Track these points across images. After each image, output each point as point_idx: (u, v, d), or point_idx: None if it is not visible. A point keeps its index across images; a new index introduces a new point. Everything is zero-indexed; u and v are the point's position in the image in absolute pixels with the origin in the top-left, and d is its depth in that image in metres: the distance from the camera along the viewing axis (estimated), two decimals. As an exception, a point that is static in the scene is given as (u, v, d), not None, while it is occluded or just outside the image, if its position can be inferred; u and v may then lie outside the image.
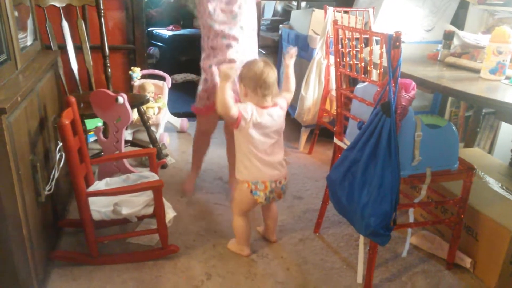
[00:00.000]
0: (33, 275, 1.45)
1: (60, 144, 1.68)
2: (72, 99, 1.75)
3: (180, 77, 4.71)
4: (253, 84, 1.64)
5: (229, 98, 1.59)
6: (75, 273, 1.69)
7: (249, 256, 1.83)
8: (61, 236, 1.91)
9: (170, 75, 3.16)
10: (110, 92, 2.02)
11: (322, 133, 2.96)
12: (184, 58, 4.88)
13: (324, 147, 3.04)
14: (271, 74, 1.66)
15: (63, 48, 2.51)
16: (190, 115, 3.53)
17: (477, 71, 1.76)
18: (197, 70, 5.10)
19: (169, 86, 3.06)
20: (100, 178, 1.95)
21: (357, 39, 1.96)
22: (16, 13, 1.68)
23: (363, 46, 1.70)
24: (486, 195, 1.88)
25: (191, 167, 2.40)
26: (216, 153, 2.83)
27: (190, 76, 4.75)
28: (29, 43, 1.88)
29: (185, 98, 4.15)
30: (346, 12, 2.79)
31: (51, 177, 1.68)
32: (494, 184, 1.98)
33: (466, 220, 1.76)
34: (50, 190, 1.64)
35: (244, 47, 2.04)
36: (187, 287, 1.65)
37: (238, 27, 2.00)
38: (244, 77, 1.68)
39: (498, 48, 1.62)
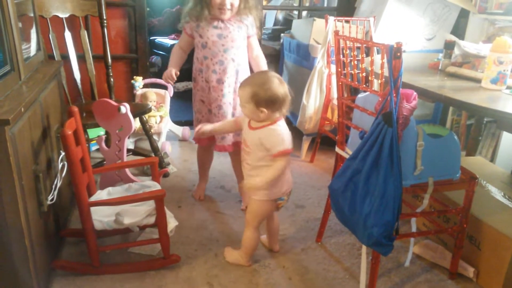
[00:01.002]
0: (35, 285, 1.45)
1: (63, 153, 1.69)
2: (75, 109, 1.76)
3: (182, 85, 4.73)
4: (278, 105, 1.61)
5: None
6: (77, 282, 1.68)
7: (251, 266, 1.83)
8: (63, 246, 1.91)
9: (172, 84, 3.17)
10: (113, 102, 2.03)
11: (323, 141, 2.97)
12: (186, 66, 4.89)
13: (326, 155, 3.05)
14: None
15: (66, 58, 2.53)
16: (192, 124, 3.54)
17: (478, 80, 1.76)
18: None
19: (171, 95, 3.07)
20: (102, 187, 1.96)
21: (358, 48, 1.98)
22: (20, 24, 1.70)
23: (364, 56, 1.70)
24: (489, 204, 1.88)
25: (199, 177, 2.44)
26: (218, 160, 2.84)
27: (192, 85, 4.75)
28: (32, 53, 1.90)
29: (187, 106, 4.16)
30: (347, 21, 2.80)
31: (54, 186, 1.69)
32: (496, 193, 1.98)
33: (469, 229, 1.76)
34: (52, 199, 1.64)
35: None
36: (189, 297, 1.65)
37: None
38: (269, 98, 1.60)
39: (499, 58, 1.63)
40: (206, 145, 2.28)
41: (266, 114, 1.60)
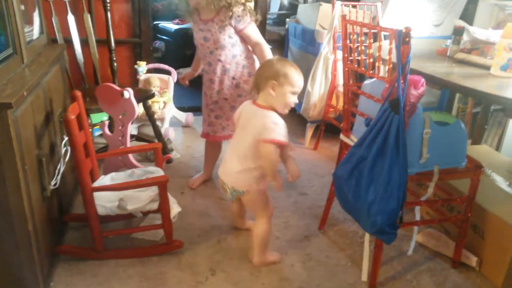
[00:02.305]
0: (38, 269, 1.45)
1: (66, 138, 1.68)
2: (78, 93, 1.74)
3: (186, 71, 4.69)
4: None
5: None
6: (81, 267, 1.69)
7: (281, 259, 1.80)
8: (67, 231, 1.91)
9: (175, 69, 3.15)
10: (116, 87, 2.01)
11: (327, 128, 2.94)
12: (190, 52, 4.85)
13: (330, 143, 3.03)
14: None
15: (69, 42, 2.51)
16: (195, 110, 3.52)
17: (487, 67, 1.73)
18: (203, 65, 5.02)
19: (175, 80, 3.05)
20: (106, 172, 1.95)
21: (365, 34, 1.94)
22: (22, 7, 1.68)
23: (372, 41, 1.67)
24: (494, 193, 1.86)
25: (203, 168, 2.43)
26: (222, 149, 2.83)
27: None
28: (35, 36, 1.88)
29: (190, 92, 4.13)
30: (354, 6, 2.75)
31: (57, 171, 1.69)
32: (501, 182, 1.96)
33: (473, 218, 1.74)
34: (55, 184, 1.64)
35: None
36: (192, 282, 1.65)
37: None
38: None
39: (509, 45, 1.59)
40: (212, 140, 2.28)
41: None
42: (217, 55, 2.07)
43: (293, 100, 1.59)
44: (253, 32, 2.08)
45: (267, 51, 2.11)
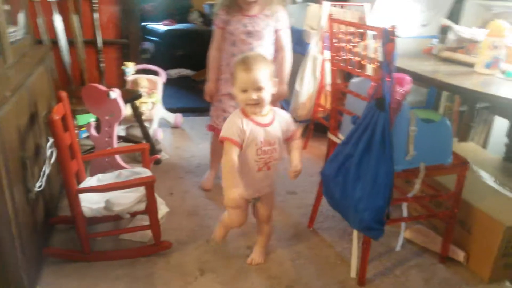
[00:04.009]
0: (24, 272, 1.43)
1: (51, 140, 1.66)
2: (63, 94, 1.73)
3: (175, 72, 4.68)
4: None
5: None
6: (68, 269, 1.67)
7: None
8: (53, 233, 1.89)
9: (165, 70, 3.13)
10: (102, 87, 2.00)
11: (317, 128, 2.95)
12: (179, 53, 4.85)
13: (319, 142, 3.04)
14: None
15: (55, 43, 2.48)
16: (184, 111, 3.51)
17: (472, 65, 1.75)
18: (192, 65, 5.07)
19: (163, 81, 3.04)
20: (92, 174, 1.94)
21: (352, 33, 1.96)
22: (7, 7, 1.66)
23: (358, 40, 1.68)
24: (480, 189, 1.88)
25: (210, 166, 2.42)
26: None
27: (185, 71, 4.72)
28: (20, 37, 1.85)
29: (179, 93, 4.13)
30: (342, 6, 2.77)
31: (42, 173, 1.67)
32: (488, 178, 1.98)
33: (460, 214, 1.76)
34: (40, 186, 1.62)
35: None
36: (180, 283, 1.64)
37: None
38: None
39: (493, 43, 1.62)
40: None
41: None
42: (258, 52, 2.02)
43: (246, 96, 1.46)
44: (288, 35, 2.13)
45: (289, 59, 2.17)
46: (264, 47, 2.08)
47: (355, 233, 1.68)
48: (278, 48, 2.14)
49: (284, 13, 2.12)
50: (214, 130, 2.24)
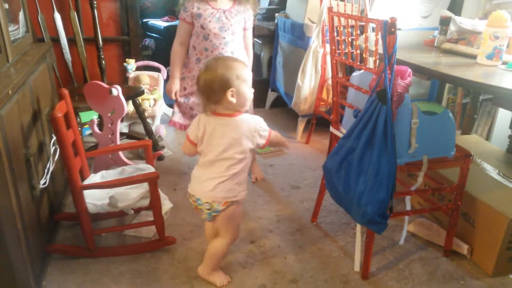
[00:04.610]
0: (29, 269, 1.45)
1: (55, 137, 1.67)
2: (65, 91, 1.73)
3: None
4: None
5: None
6: (72, 266, 1.69)
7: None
8: (58, 230, 1.90)
9: (166, 66, 3.13)
10: (104, 84, 2.00)
11: (319, 122, 2.95)
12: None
13: (322, 137, 3.03)
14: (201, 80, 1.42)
15: (56, 41, 2.49)
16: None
17: (473, 57, 1.74)
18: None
19: (165, 77, 3.04)
20: (96, 171, 1.94)
21: (352, 26, 1.96)
22: (6, 5, 1.66)
23: (359, 33, 1.67)
24: (484, 181, 1.88)
25: None
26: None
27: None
28: (20, 35, 1.86)
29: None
30: (342, -1, 2.75)
31: (46, 170, 1.67)
32: (491, 171, 1.97)
33: (463, 206, 1.76)
34: (45, 183, 1.63)
35: None
36: (185, 278, 1.65)
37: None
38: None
39: (494, 33, 1.60)
40: (173, 125, 2.26)
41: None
42: (232, 47, 2.05)
43: (251, 92, 1.47)
44: (251, 34, 2.14)
45: (251, 59, 2.20)
46: (236, 42, 2.08)
47: (358, 227, 1.68)
48: (245, 46, 2.16)
49: (252, 13, 2.11)
50: (175, 125, 2.22)
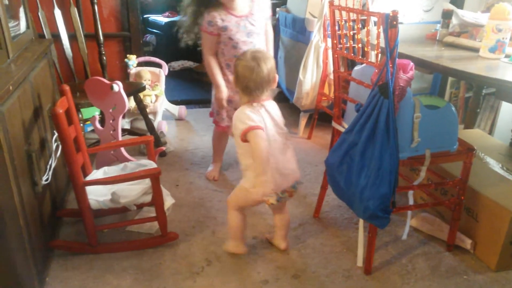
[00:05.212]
0: (32, 265, 1.45)
1: (56, 133, 1.67)
2: (66, 87, 1.73)
3: (178, 64, 4.67)
4: (242, 85, 1.52)
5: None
6: (75, 262, 1.69)
7: (245, 253, 1.74)
8: (61, 226, 1.91)
9: (167, 62, 3.13)
10: (105, 80, 2.00)
11: (321, 117, 2.94)
12: (181, 45, 4.82)
13: (324, 132, 3.03)
14: (263, 69, 1.49)
15: (57, 37, 2.48)
16: (188, 103, 3.51)
17: (476, 50, 1.73)
18: (194, 57, 5.05)
19: (166, 73, 3.03)
20: (98, 167, 1.94)
21: (354, 20, 1.94)
22: (6, 1, 1.65)
23: (360, 27, 1.66)
24: (486, 176, 1.87)
25: (213, 159, 2.44)
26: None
27: (187, 63, 4.70)
28: (21, 31, 1.85)
29: (183, 85, 4.13)
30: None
31: (48, 167, 1.67)
32: (494, 165, 1.96)
33: (466, 201, 1.75)
34: (47, 180, 1.63)
35: None
36: (187, 273, 1.65)
37: None
38: (234, 71, 1.55)
39: (497, 26, 1.59)
40: (223, 130, 2.24)
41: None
42: (258, 45, 2.08)
43: None
44: (270, 23, 2.17)
45: (271, 49, 2.24)
46: (261, 39, 2.11)
47: (361, 222, 1.68)
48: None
49: (268, 1, 2.14)
50: (225, 129, 2.21)
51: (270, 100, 1.58)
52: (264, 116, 1.52)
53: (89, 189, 1.65)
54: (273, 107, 1.58)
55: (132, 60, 2.93)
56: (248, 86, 1.50)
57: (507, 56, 1.64)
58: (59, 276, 1.62)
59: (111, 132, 2.09)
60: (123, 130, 2.52)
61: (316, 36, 2.70)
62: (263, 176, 1.47)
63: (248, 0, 2.06)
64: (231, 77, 2.07)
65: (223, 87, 2.08)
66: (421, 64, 1.61)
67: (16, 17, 1.82)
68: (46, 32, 2.42)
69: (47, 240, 1.69)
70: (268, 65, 1.51)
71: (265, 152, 1.46)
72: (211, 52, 2.09)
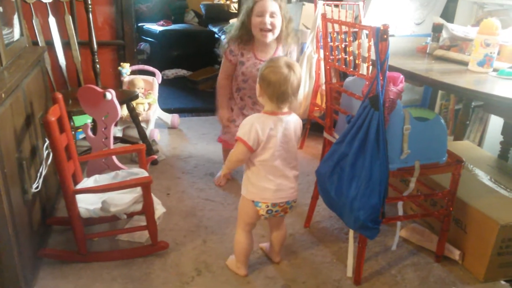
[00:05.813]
0: (20, 274, 1.43)
1: (48, 141, 1.66)
2: (59, 95, 1.73)
3: (171, 72, 4.68)
4: (271, 92, 1.48)
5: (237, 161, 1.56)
6: (64, 270, 1.68)
7: (245, 276, 1.69)
8: (50, 234, 1.89)
9: (161, 70, 3.13)
10: (98, 88, 2.00)
11: (313, 127, 2.96)
12: (175, 53, 4.85)
13: (315, 142, 3.04)
14: (295, 82, 1.48)
15: (51, 45, 2.48)
16: (181, 111, 3.51)
17: (465, 63, 1.76)
18: (188, 66, 5.07)
19: (159, 81, 3.04)
20: (89, 175, 1.94)
21: (346, 33, 1.98)
22: (0, 9, 1.66)
23: (352, 39, 1.68)
24: (475, 187, 1.89)
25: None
26: (208, 149, 2.83)
27: (181, 72, 4.72)
28: (14, 39, 1.85)
29: (176, 93, 4.14)
30: (336, 5, 2.78)
31: (39, 174, 1.67)
32: (483, 177, 1.99)
33: (455, 212, 1.77)
34: (37, 187, 1.62)
35: None
36: (177, 283, 1.64)
37: None
38: (263, 78, 1.49)
39: (485, 40, 1.62)
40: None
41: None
42: None
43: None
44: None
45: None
46: None
47: (350, 232, 1.68)
48: None
49: (295, 48, 2.21)
50: (226, 143, 2.33)
51: (292, 114, 1.55)
52: (278, 129, 1.50)
53: (79, 197, 1.64)
54: (290, 122, 1.54)
55: (126, 68, 2.94)
56: (275, 93, 1.47)
57: (495, 70, 1.67)
58: (47, 284, 1.60)
59: (103, 140, 2.09)
60: (115, 138, 2.52)
61: (309, 48, 2.73)
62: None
63: (280, 51, 2.14)
64: (238, 101, 2.25)
65: (225, 109, 2.27)
66: (411, 77, 1.64)
67: (10, 24, 1.82)
68: (40, 40, 2.42)
69: (36, 248, 1.67)
70: (298, 74, 1.49)
71: (235, 162, 1.57)
72: (225, 75, 2.23)
